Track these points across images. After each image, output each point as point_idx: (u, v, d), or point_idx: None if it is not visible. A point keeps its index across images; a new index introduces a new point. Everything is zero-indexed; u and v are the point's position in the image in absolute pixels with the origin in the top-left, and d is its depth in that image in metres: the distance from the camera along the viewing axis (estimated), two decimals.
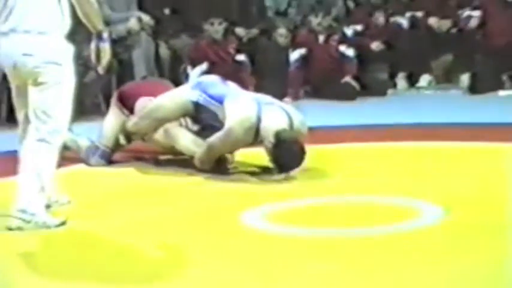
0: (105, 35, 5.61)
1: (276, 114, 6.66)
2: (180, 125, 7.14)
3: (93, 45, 5.66)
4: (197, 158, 6.82)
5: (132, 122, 7.13)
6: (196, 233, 5.27)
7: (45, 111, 5.29)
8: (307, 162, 6.51)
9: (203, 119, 6.98)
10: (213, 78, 7.22)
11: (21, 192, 5.36)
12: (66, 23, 5.40)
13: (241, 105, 6.67)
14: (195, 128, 7.14)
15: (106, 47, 5.64)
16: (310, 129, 6.83)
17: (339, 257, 4.72)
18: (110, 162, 7.31)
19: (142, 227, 5.44)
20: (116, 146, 7.34)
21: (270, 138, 6.51)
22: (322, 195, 6.00)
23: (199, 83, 7.07)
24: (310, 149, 6.54)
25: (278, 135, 6.50)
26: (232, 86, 7.12)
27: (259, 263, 4.69)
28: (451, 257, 4.61)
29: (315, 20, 11.44)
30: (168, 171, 6.92)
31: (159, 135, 7.13)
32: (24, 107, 5.44)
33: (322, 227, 5.28)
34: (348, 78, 11.09)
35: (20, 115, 5.54)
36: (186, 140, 7.01)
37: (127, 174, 6.96)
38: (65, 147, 7.01)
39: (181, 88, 7.29)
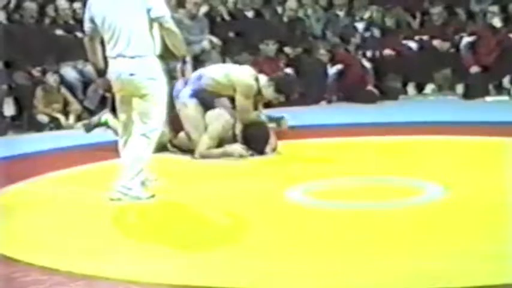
0: (188, 58, 5.69)
1: None
2: None
3: (179, 66, 5.76)
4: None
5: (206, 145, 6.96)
6: (249, 207, 5.22)
7: (146, 114, 5.42)
8: (338, 150, 6.49)
9: None
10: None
11: (124, 171, 5.43)
12: (158, 47, 5.46)
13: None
14: None
15: (188, 68, 5.78)
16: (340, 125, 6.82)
17: (361, 225, 4.69)
18: None
19: (207, 201, 5.42)
20: None
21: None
22: (350, 176, 5.94)
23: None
24: (342, 141, 6.53)
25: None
26: None
27: (301, 231, 4.63)
28: (451, 227, 4.57)
29: (354, 40, 11.45)
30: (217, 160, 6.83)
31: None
32: (125, 111, 5.58)
33: (350, 201, 5.22)
34: (370, 87, 11.04)
35: (121, 117, 5.64)
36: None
37: (188, 162, 6.87)
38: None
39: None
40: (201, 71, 7.19)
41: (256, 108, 7.08)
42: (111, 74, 5.47)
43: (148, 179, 5.66)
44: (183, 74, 5.84)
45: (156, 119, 5.45)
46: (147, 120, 5.42)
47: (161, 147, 7.22)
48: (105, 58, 5.56)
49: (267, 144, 6.98)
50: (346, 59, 11.36)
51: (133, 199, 5.35)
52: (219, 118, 6.90)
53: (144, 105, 5.42)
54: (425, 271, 3.79)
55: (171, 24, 5.41)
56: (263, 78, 6.95)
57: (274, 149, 7.04)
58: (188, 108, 7.00)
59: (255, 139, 6.93)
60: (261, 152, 6.91)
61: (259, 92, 6.91)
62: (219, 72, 6.98)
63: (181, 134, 7.15)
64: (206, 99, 6.98)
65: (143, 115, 5.43)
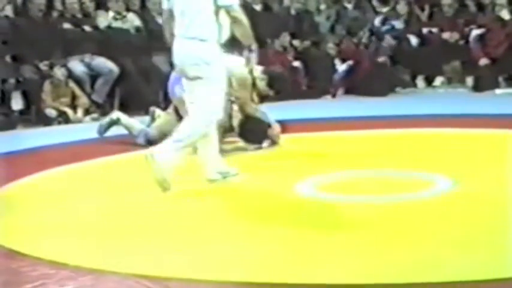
0: (253, 47, 5.77)
1: None
2: None
3: (245, 54, 5.83)
4: None
5: None
6: (259, 201, 5.22)
7: (202, 98, 5.47)
8: (346, 144, 6.48)
9: None
10: None
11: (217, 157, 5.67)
12: (223, 35, 5.53)
13: None
14: None
15: (253, 56, 5.87)
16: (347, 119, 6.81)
17: (371, 218, 4.68)
18: (151, 144, 7.23)
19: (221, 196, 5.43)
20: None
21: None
22: (358, 169, 5.93)
23: None
24: (350, 134, 6.51)
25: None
26: None
27: (310, 223, 4.64)
28: (460, 221, 4.56)
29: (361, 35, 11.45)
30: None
31: None
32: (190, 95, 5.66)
33: (359, 195, 5.21)
34: (382, 80, 11.05)
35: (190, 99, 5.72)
36: None
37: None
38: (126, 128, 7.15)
39: None
40: None
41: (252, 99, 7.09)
42: (175, 52, 5.59)
43: (230, 172, 5.70)
44: (248, 62, 5.93)
45: (212, 103, 5.48)
46: (204, 103, 5.48)
47: (150, 141, 7.23)
48: None
49: (264, 139, 6.99)
50: (355, 54, 11.35)
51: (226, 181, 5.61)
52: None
53: (200, 88, 5.47)
54: (434, 264, 3.78)
55: (238, 13, 5.47)
56: (257, 70, 6.95)
57: (275, 142, 7.05)
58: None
59: (252, 133, 6.94)
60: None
61: (253, 83, 6.93)
62: None
63: None
64: None
65: (200, 98, 5.50)
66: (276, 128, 7.10)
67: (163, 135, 6.76)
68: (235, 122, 7.00)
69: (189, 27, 5.45)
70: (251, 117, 7.00)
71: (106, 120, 7.67)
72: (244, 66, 6.65)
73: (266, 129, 7.03)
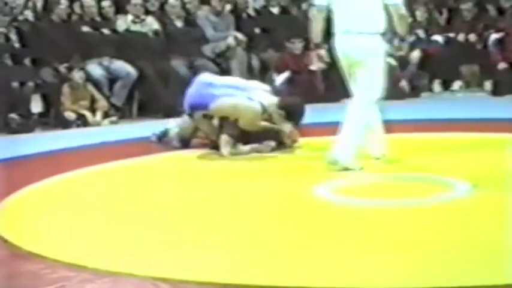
0: (408, 38, 6.08)
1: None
2: None
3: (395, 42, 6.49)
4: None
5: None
6: (278, 205, 5.23)
7: (365, 88, 5.95)
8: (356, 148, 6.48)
9: None
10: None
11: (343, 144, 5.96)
12: (382, 26, 5.96)
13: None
14: None
15: (405, 45, 6.27)
16: None
17: (391, 222, 4.67)
18: (186, 147, 7.26)
19: (237, 199, 5.44)
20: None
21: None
22: (376, 173, 5.93)
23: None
24: None
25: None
26: None
27: (332, 229, 4.62)
28: (479, 225, 4.54)
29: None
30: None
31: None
32: (353, 84, 6.08)
33: (378, 199, 5.19)
34: (402, 83, 11.02)
35: (352, 88, 6.12)
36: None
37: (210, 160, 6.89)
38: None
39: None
40: (209, 86, 7.11)
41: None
42: (338, 47, 5.96)
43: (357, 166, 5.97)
44: (399, 50, 6.14)
45: (376, 89, 5.94)
46: (369, 90, 5.92)
47: (185, 143, 7.26)
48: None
49: (303, 115, 7.05)
50: None
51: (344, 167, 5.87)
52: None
53: (365, 79, 5.91)
54: (453, 269, 3.77)
55: (404, 11, 5.96)
56: (268, 103, 6.92)
57: (294, 141, 7.09)
58: (204, 124, 7.11)
59: (292, 109, 6.99)
60: (297, 123, 7.04)
61: (269, 118, 6.99)
62: (227, 106, 6.95)
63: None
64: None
65: (363, 88, 5.93)
66: (290, 130, 7.09)
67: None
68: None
69: (356, 22, 5.86)
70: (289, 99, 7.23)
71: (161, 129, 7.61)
72: (253, 108, 6.71)
73: (303, 107, 7.10)
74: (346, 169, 5.89)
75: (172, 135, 7.35)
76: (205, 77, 7.37)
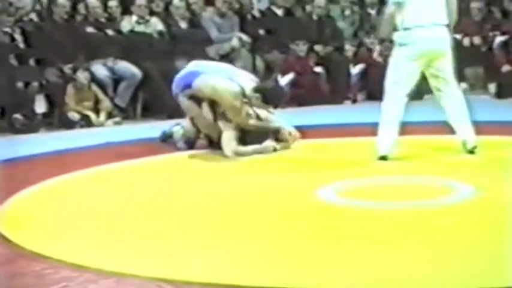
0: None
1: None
2: None
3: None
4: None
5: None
6: (280, 206, 5.22)
7: (445, 78, 6.47)
8: (367, 149, 6.48)
9: None
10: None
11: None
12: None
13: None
14: None
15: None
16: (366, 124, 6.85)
17: (394, 225, 4.66)
18: (191, 148, 7.27)
19: (239, 199, 5.43)
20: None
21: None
22: (380, 175, 5.93)
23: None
24: (370, 140, 6.51)
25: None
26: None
27: (331, 230, 4.63)
28: (482, 228, 4.54)
29: (368, 41, 11.45)
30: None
31: None
32: (434, 77, 6.50)
33: (381, 201, 5.18)
34: None
35: (431, 83, 6.59)
36: None
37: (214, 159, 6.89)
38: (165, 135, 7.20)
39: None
40: (196, 68, 7.23)
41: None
42: (418, 41, 6.24)
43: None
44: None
45: (454, 81, 6.49)
46: (454, 80, 6.47)
47: (190, 145, 7.27)
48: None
49: (282, 98, 7.16)
50: (368, 58, 11.34)
51: None
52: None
53: (449, 68, 6.40)
54: (458, 271, 3.77)
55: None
56: (248, 88, 6.94)
57: (294, 140, 7.13)
58: (188, 107, 7.17)
59: (268, 93, 6.99)
60: (276, 105, 7.12)
61: (249, 100, 6.95)
62: (207, 85, 6.99)
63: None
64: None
65: (450, 77, 6.43)
66: (290, 130, 7.12)
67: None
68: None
69: (435, 15, 6.24)
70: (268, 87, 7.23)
71: (166, 130, 7.61)
72: (231, 88, 6.74)
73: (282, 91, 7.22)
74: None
75: (177, 137, 7.36)
76: (193, 63, 7.42)
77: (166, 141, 7.43)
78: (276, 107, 7.18)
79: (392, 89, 6.42)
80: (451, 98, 6.53)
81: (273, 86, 7.34)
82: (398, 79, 6.39)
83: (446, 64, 6.43)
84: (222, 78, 6.98)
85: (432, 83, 6.57)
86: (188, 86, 7.07)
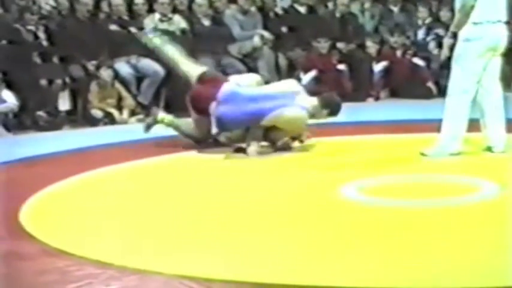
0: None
1: None
2: None
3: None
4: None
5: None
6: (304, 202, 5.22)
7: (495, 75, 6.53)
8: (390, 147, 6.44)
9: None
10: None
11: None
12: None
13: None
14: None
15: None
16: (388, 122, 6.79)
17: (416, 222, 4.64)
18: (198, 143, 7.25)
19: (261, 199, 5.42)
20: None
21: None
22: (403, 173, 5.90)
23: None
24: (393, 138, 6.49)
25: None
26: None
27: (355, 228, 4.61)
28: (507, 226, 4.50)
29: (392, 39, 11.41)
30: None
31: None
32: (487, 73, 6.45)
33: (405, 199, 5.15)
34: (429, 84, 10.99)
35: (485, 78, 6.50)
36: None
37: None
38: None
39: None
40: (252, 100, 6.92)
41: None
42: (485, 36, 6.27)
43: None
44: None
45: (498, 79, 6.56)
46: (495, 79, 6.51)
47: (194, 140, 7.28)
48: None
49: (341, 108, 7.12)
50: (392, 56, 11.31)
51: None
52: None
53: (498, 66, 6.49)
54: (481, 269, 3.74)
55: None
56: (314, 106, 6.92)
57: (309, 138, 7.13)
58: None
59: (335, 106, 7.08)
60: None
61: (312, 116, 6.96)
62: (284, 116, 6.81)
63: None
64: None
65: (491, 76, 6.45)
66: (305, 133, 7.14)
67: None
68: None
69: (500, 12, 6.31)
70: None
71: (150, 119, 7.64)
72: (303, 116, 6.76)
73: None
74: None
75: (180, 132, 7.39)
76: (236, 88, 7.03)
77: (150, 128, 7.47)
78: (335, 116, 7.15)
79: (463, 85, 6.38)
80: (491, 95, 6.49)
81: (336, 99, 7.22)
82: (467, 75, 6.35)
83: (498, 61, 6.47)
84: (295, 107, 6.83)
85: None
86: (251, 122, 6.85)
